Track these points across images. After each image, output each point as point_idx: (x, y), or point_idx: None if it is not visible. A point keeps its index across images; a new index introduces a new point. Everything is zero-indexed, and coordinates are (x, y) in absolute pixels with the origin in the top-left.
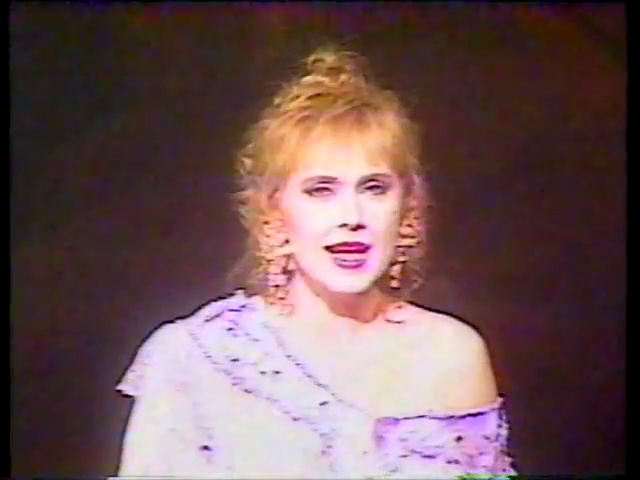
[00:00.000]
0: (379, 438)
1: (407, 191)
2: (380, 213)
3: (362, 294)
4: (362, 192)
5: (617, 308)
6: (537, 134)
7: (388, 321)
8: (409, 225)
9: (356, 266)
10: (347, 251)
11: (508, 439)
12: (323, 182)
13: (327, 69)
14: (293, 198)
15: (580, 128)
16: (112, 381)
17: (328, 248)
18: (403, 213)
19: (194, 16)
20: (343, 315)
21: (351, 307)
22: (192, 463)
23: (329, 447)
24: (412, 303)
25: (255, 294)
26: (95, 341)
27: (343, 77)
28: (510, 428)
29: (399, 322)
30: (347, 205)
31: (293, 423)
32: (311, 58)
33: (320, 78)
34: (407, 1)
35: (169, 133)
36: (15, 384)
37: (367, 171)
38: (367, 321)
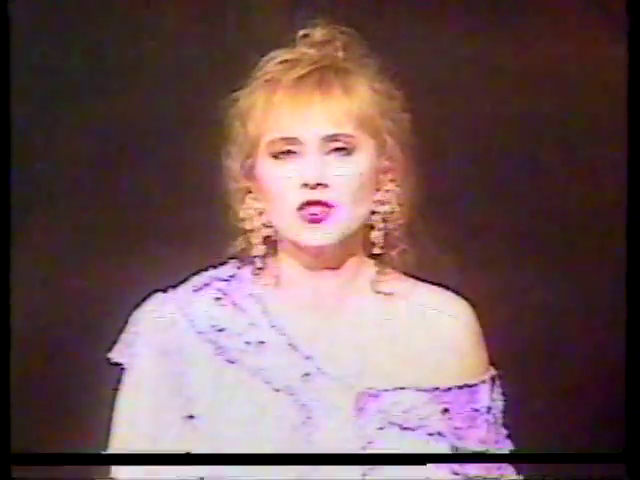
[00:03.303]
0: (360, 410)
1: (379, 152)
2: (345, 173)
3: (343, 259)
4: (328, 153)
5: (616, 279)
6: (536, 115)
7: (378, 292)
8: (387, 190)
9: (323, 219)
10: (312, 210)
11: (504, 411)
12: (286, 144)
13: (313, 42)
14: (263, 163)
15: (581, 110)
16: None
17: (297, 210)
18: (376, 175)
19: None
20: (329, 285)
21: (335, 275)
22: (177, 431)
23: (309, 418)
24: (407, 275)
25: (246, 264)
26: (95, 316)
27: (328, 49)
28: (506, 400)
29: (388, 294)
30: (307, 164)
31: (275, 394)
32: (300, 33)
33: (304, 50)
34: None
35: (167, 120)
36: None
37: (328, 131)
38: (355, 293)
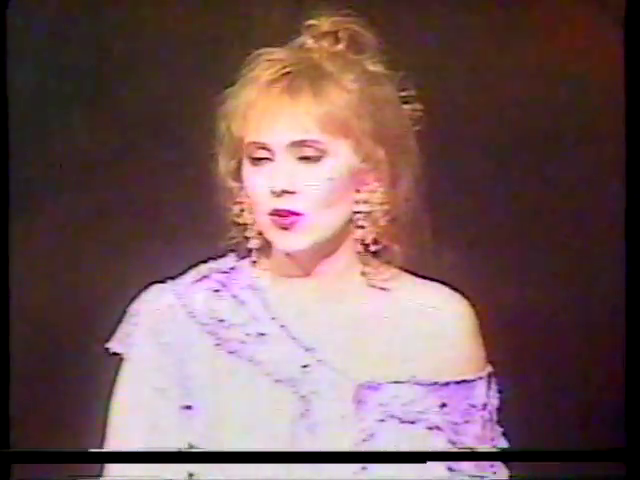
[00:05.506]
0: (359, 402)
1: (356, 154)
2: (313, 179)
3: (327, 259)
4: (297, 159)
5: (616, 282)
6: (537, 109)
7: (374, 287)
8: (369, 190)
9: (292, 224)
10: (281, 216)
11: (499, 409)
12: (257, 148)
13: (316, 33)
14: (244, 166)
15: (579, 102)
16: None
17: (268, 215)
18: (355, 177)
19: None
20: (322, 279)
21: (324, 271)
22: (174, 422)
23: (308, 410)
24: (406, 271)
25: (245, 257)
26: (94, 306)
27: (326, 41)
28: (502, 398)
29: (384, 289)
30: (275, 171)
31: (275, 385)
32: (306, 23)
33: (303, 40)
34: None
35: (163, 116)
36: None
37: (295, 137)
38: (352, 286)
